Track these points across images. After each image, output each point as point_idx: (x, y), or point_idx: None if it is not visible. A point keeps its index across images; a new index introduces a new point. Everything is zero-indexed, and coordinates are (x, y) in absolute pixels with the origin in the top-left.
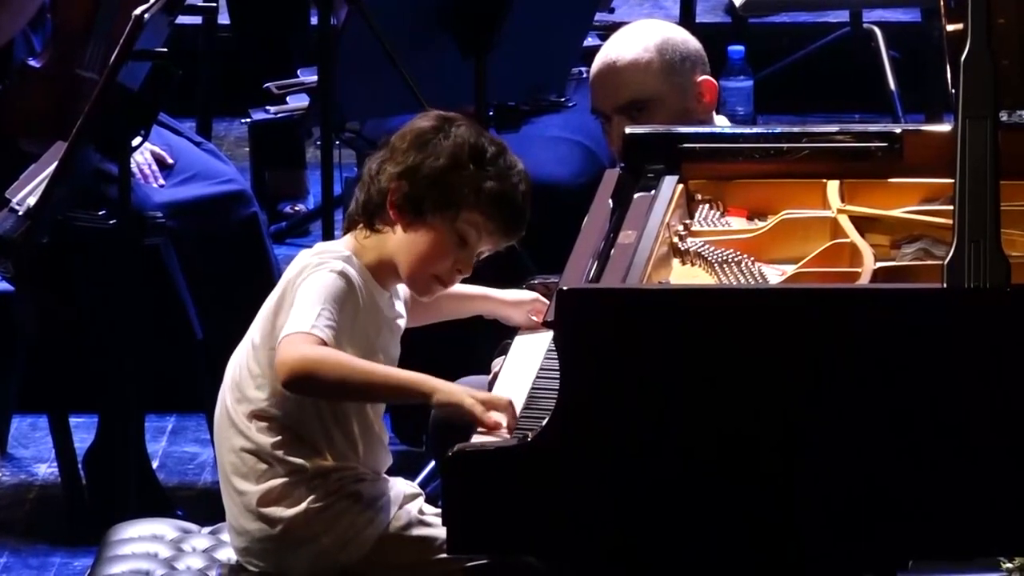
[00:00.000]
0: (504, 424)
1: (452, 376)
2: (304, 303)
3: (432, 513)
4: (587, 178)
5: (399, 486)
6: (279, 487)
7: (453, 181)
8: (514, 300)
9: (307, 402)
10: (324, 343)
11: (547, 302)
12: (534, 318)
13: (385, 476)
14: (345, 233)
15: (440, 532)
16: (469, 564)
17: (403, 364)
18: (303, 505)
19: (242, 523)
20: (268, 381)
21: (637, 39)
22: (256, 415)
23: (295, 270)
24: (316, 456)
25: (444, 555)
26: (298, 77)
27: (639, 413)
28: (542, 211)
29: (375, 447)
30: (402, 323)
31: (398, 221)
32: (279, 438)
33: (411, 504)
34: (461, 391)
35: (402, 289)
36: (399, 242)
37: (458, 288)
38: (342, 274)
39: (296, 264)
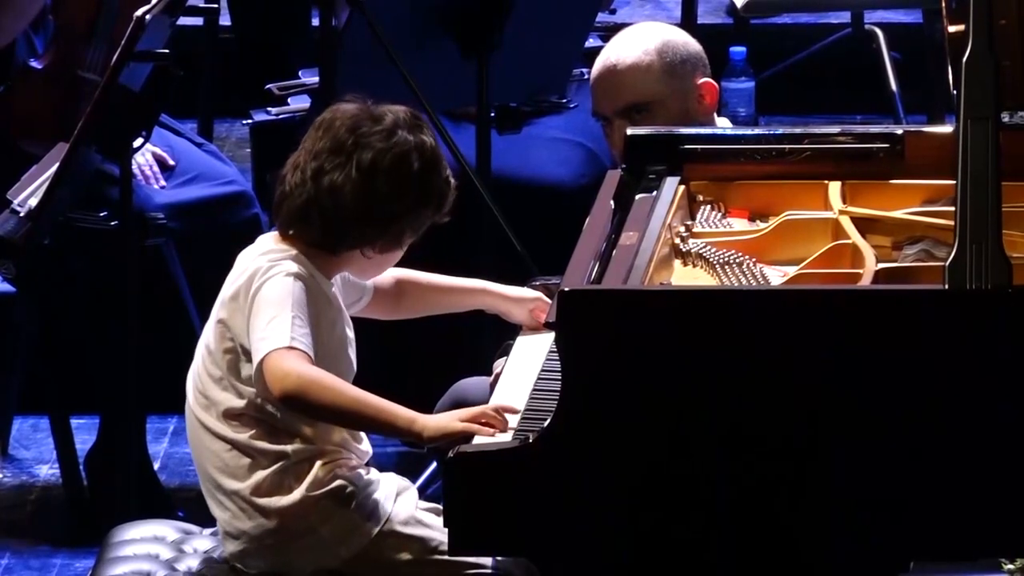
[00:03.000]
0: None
1: (453, 376)
2: (271, 313)
3: (430, 510)
4: (588, 179)
5: (391, 479)
6: (268, 479)
7: (401, 213)
8: (517, 296)
9: (271, 395)
10: (310, 358)
11: (549, 302)
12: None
13: (375, 470)
14: (284, 234)
15: (440, 532)
16: (469, 572)
17: (405, 365)
18: (296, 495)
19: (237, 525)
20: (230, 383)
21: (637, 42)
22: (227, 415)
23: (244, 276)
24: (296, 440)
25: (444, 555)
26: (299, 78)
27: (640, 415)
28: (543, 212)
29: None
30: (343, 304)
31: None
32: (254, 431)
33: (405, 497)
34: (447, 423)
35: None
36: (356, 258)
37: (460, 281)
38: (298, 277)
39: (244, 268)
